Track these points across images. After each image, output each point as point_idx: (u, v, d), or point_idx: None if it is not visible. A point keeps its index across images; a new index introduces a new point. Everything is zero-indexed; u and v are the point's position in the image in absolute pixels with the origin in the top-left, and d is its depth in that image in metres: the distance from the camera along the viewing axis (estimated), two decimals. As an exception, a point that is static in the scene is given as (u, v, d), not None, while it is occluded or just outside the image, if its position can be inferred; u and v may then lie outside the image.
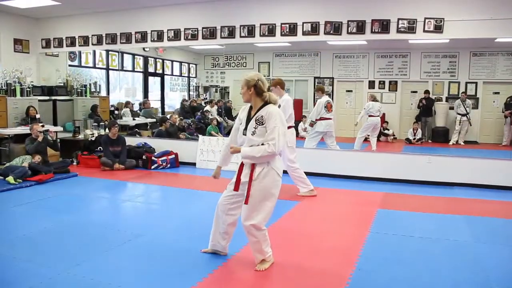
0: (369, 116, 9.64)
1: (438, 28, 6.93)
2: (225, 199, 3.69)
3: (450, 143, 11.10)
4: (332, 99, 11.77)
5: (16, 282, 3.33)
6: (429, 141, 11.57)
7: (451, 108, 11.38)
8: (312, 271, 3.63)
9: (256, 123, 3.43)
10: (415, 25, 7.05)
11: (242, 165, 3.56)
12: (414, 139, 11.27)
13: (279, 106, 5.89)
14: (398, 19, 7.12)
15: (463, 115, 11.00)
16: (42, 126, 7.87)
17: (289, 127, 5.99)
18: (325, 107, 7.99)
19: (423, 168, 7.24)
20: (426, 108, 11.49)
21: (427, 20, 6.96)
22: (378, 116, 9.71)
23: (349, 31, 7.42)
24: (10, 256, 3.87)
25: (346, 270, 3.63)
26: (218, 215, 3.76)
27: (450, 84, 11.52)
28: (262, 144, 3.39)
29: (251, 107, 3.60)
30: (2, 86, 9.02)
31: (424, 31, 7.01)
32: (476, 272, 3.63)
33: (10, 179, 6.70)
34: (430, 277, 3.51)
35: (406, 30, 7.10)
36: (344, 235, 4.63)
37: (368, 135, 9.71)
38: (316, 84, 11.73)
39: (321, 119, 8.05)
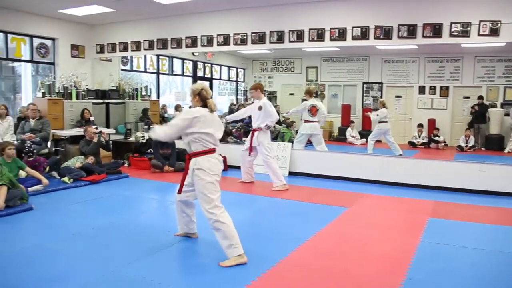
0: (380, 122, 9.59)
1: (494, 31, 6.69)
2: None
3: (505, 151, 10.62)
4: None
5: (72, 278, 3.46)
6: (482, 148, 11.16)
7: (507, 114, 10.95)
8: (361, 278, 3.59)
9: None
10: (469, 29, 6.84)
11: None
12: (466, 146, 10.92)
13: (260, 108, 6.91)
14: (451, 23, 6.93)
15: (519, 122, 10.58)
16: (96, 128, 8.16)
17: (268, 126, 7.10)
18: (308, 110, 8.32)
19: (475, 176, 6.99)
20: (479, 115, 11.10)
21: (482, 23, 6.73)
22: (387, 122, 9.61)
23: (400, 36, 7.29)
24: (67, 253, 4.03)
25: (396, 279, 3.56)
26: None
27: (505, 89, 11.08)
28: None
29: None
30: (59, 90, 9.42)
31: (479, 34, 6.78)
32: (535, 286, 3.48)
33: (66, 179, 7.03)
34: (484, 290, 3.40)
35: (459, 34, 6.90)
36: (394, 243, 4.55)
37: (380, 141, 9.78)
38: (364, 87, 11.64)
39: (305, 121, 8.45)
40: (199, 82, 4.40)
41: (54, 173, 7.34)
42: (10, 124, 8.01)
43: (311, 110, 8.31)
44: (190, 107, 4.21)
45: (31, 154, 7.13)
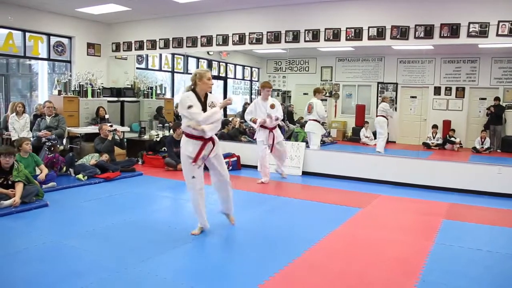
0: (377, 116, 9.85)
1: (513, 32, 6.59)
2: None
3: (522, 153, 10.50)
4: (396, 105, 11.55)
5: (87, 273, 3.49)
6: (498, 150, 11.00)
7: (524, 116, 10.79)
8: (374, 279, 3.56)
9: (210, 107, 4.57)
10: (487, 29, 6.73)
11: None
12: (481, 148, 10.79)
13: (273, 106, 7.15)
14: (469, 23, 6.83)
15: (537, 123, 10.41)
16: (111, 126, 8.23)
17: (277, 118, 7.31)
18: (306, 108, 8.48)
19: (492, 179, 6.89)
20: (495, 116, 10.95)
21: (501, 23, 6.62)
22: (382, 116, 9.70)
23: (417, 36, 7.21)
24: (82, 249, 4.07)
25: (409, 281, 3.53)
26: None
27: (523, 90, 10.93)
28: None
29: (197, 95, 4.60)
30: (75, 88, 9.51)
31: (498, 35, 6.67)
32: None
33: (80, 176, 7.09)
34: (500, 294, 3.35)
35: (477, 34, 6.81)
36: (407, 245, 4.51)
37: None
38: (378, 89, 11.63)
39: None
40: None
41: (70, 170, 7.41)
42: (27, 121, 8.11)
43: (308, 107, 8.40)
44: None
45: (51, 149, 7.25)
